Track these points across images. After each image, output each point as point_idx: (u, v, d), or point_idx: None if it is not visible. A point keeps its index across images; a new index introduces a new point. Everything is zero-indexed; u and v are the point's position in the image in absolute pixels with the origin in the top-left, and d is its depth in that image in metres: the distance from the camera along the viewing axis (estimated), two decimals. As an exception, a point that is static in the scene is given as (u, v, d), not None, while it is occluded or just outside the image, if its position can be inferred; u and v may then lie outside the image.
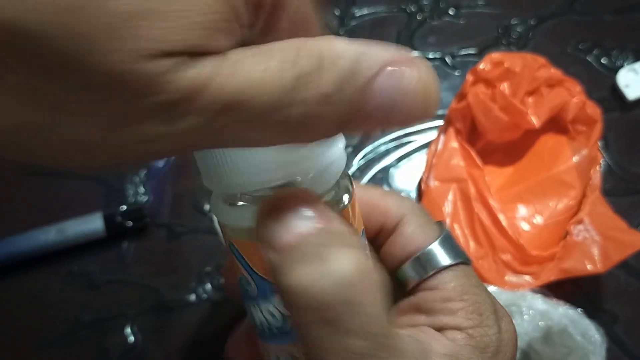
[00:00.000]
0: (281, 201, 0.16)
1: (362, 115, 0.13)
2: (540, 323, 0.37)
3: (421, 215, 0.22)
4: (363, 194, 0.22)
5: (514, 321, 0.36)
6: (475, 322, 0.19)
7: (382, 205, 0.22)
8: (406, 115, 0.14)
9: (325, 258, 0.15)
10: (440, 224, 0.22)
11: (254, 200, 0.18)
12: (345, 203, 0.19)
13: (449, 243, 0.21)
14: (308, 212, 0.16)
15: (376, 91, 0.13)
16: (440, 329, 0.20)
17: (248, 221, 0.17)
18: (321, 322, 0.15)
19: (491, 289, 0.39)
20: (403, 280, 0.21)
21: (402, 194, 0.23)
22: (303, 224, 0.16)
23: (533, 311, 0.37)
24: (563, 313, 0.38)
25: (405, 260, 0.21)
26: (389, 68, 0.13)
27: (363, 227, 0.21)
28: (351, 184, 0.20)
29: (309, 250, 0.15)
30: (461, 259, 0.21)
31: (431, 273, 0.20)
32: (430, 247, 0.21)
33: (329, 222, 0.16)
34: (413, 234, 0.21)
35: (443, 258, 0.21)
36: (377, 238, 0.22)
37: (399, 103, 0.13)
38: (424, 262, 0.21)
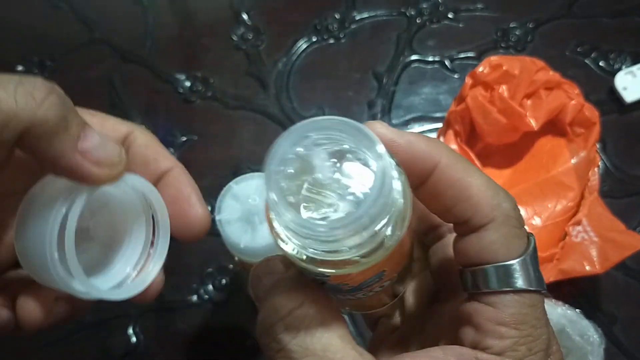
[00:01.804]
0: None
1: None
2: (539, 323, 0.37)
3: (510, 226, 0.20)
4: (463, 174, 0.20)
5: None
6: (520, 354, 0.19)
7: (475, 199, 0.20)
8: None
9: None
10: (530, 238, 0.20)
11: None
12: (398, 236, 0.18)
13: (530, 265, 0.20)
14: None
15: None
16: (483, 350, 0.19)
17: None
18: None
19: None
20: (465, 281, 0.21)
21: (503, 194, 0.20)
22: None
23: (532, 312, 0.37)
24: (562, 313, 0.38)
25: (477, 265, 0.20)
26: None
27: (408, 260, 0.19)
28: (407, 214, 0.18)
29: None
30: (534, 286, 0.19)
31: (496, 290, 0.19)
32: (507, 263, 0.20)
33: None
34: (494, 244, 0.20)
35: (516, 279, 0.19)
36: (458, 227, 0.21)
37: None
38: (495, 275, 0.20)
